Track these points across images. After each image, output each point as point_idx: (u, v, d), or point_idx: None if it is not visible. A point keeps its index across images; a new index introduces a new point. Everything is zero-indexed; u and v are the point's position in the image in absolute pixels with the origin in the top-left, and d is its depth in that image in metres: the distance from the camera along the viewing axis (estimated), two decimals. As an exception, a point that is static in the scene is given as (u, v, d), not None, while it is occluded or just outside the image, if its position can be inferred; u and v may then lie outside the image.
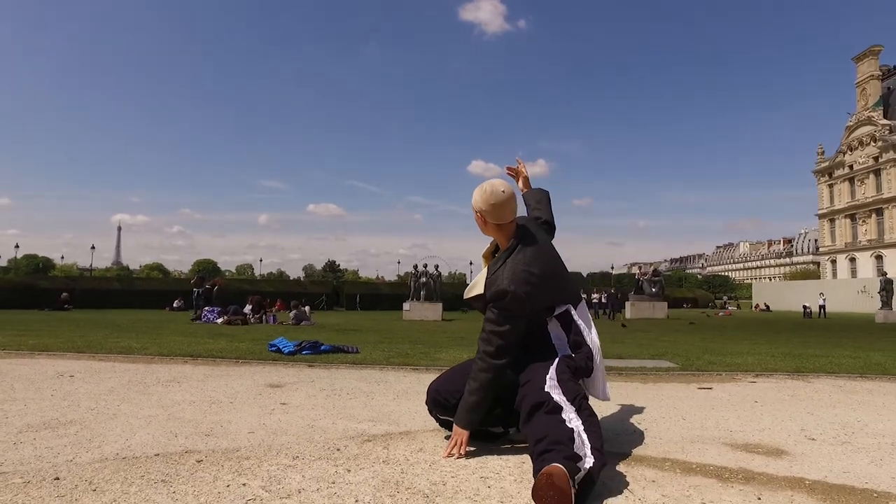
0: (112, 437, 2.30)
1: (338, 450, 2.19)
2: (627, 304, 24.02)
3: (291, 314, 16.20)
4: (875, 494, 1.77)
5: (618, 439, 2.42)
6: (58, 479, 1.77)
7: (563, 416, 1.83)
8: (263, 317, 16.21)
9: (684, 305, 49.16)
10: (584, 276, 68.83)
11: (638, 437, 2.48)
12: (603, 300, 25.77)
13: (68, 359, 4.78)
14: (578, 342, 2.21)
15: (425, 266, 22.53)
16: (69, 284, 28.10)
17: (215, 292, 17.89)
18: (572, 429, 1.77)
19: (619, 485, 1.83)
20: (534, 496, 1.36)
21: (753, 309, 44.59)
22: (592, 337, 2.27)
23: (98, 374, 3.92)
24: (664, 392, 3.69)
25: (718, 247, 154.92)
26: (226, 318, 14.89)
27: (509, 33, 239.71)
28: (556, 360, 2.08)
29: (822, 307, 29.09)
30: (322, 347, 5.36)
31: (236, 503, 1.59)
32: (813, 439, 2.47)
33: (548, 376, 1.99)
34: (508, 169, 2.82)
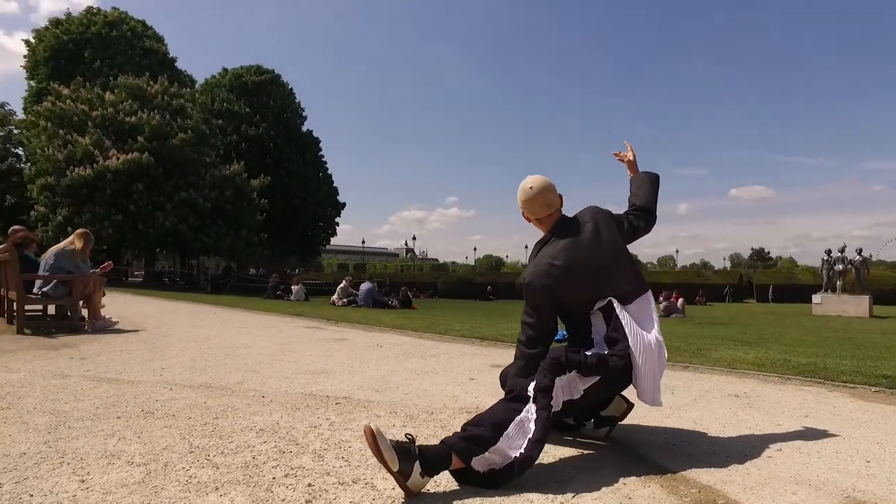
0: (336, 384, 3.42)
1: (431, 413, 2.72)
2: None
3: (661, 306, 16.01)
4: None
5: (700, 458, 2.10)
6: (263, 396, 2.96)
7: (520, 405, 1.90)
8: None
9: None
10: None
11: (732, 460, 2.08)
12: None
13: (402, 334, 6.56)
14: (615, 338, 2.10)
15: (841, 251, 18.26)
16: (491, 280, 34.92)
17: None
18: (511, 418, 1.85)
19: (587, 487, 1.78)
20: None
21: None
22: (641, 334, 2.10)
23: (397, 347, 5.38)
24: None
25: None
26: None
27: None
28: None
29: None
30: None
31: (305, 422, 2.40)
32: None
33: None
34: (616, 154, 2.72)
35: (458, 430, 1.83)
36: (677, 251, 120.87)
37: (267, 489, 1.67)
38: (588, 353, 2.08)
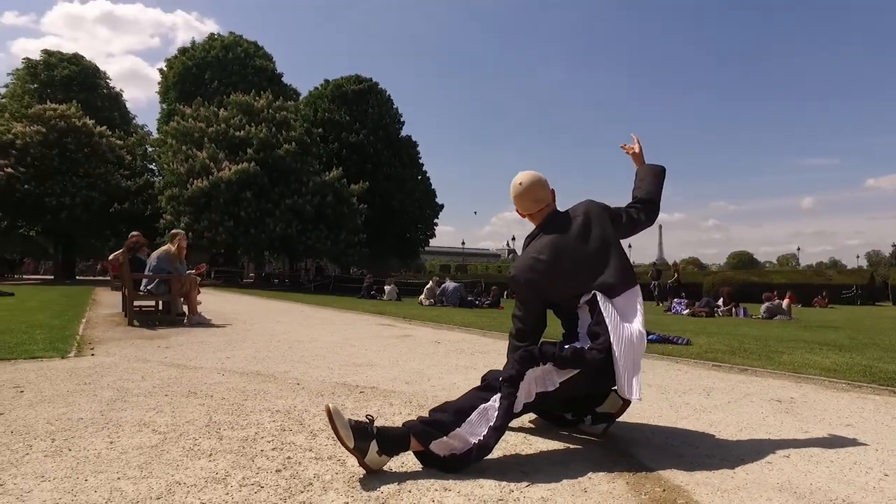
0: (372, 375, 3.65)
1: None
2: None
3: (763, 307, 14.77)
4: None
5: (691, 460, 2.04)
6: (298, 383, 3.24)
7: (488, 394, 1.97)
8: (734, 310, 15.39)
9: None
10: None
11: (724, 464, 2.00)
12: None
13: (466, 332, 6.69)
14: (596, 332, 2.11)
15: None
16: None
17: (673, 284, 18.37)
18: (476, 406, 1.93)
19: (547, 478, 1.82)
20: None
21: None
22: (623, 327, 2.08)
23: (454, 343, 5.52)
24: None
25: None
26: (691, 309, 15.06)
27: None
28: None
29: None
30: (650, 337, 5.41)
31: (320, 407, 2.62)
32: None
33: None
34: (623, 146, 2.70)
35: (428, 414, 1.95)
36: (799, 249, 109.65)
37: (250, 458, 1.90)
38: (566, 346, 2.10)
